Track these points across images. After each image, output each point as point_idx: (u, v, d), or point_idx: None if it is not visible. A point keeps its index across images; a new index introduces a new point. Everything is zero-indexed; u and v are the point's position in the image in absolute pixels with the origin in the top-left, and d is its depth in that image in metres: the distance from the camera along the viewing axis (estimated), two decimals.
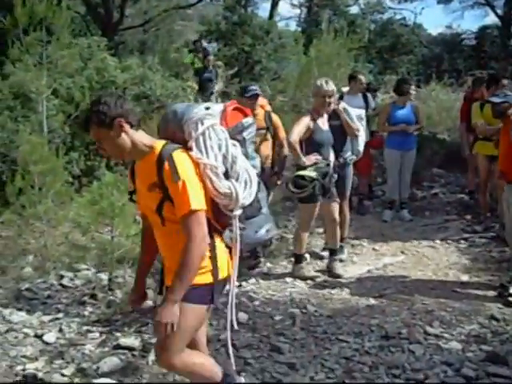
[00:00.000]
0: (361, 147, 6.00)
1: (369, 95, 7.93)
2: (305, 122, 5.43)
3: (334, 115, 5.76)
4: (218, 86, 12.50)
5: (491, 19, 29.79)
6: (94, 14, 19.38)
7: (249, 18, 20.25)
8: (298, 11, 34.28)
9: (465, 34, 30.71)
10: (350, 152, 5.91)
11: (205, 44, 14.86)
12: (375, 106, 8.30)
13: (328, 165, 5.46)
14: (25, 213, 5.76)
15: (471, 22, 70.58)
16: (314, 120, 5.44)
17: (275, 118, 5.99)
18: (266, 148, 5.89)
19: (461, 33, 30.95)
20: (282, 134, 5.93)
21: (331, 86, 5.41)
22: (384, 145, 7.87)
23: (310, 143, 5.41)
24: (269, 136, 5.90)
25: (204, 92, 11.92)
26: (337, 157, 5.67)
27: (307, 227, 5.66)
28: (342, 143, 5.83)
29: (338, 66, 11.03)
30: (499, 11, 26.91)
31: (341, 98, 7.18)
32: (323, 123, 5.54)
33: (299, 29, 29.74)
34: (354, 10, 32.61)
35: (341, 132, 5.80)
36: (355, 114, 5.98)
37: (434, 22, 59.71)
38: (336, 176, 5.58)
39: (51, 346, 4.09)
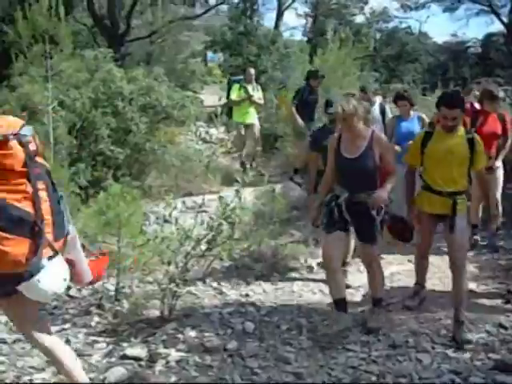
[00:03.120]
0: None
1: (386, 105, 7.46)
2: (330, 144, 4.75)
3: None
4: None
5: (496, 27, 29.81)
6: (101, 25, 19.53)
7: (254, 28, 20.34)
8: (303, 21, 34.53)
9: (470, 41, 30.83)
10: None
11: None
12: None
13: (340, 195, 4.60)
14: None
15: (476, 29, 70.83)
16: (338, 144, 4.64)
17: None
18: None
19: (466, 41, 31.09)
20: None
21: (342, 107, 4.43)
22: None
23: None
24: None
25: (307, 117, 9.13)
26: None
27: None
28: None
29: (343, 76, 11.04)
30: (504, 19, 26.97)
31: None
32: (349, 149, 4.55)
33: (305, 38, 29.93)
34: (360, 19, 32.83)
35: None
36: None
37: (440, 31, 59.92)
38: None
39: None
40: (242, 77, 10.27)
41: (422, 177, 4.73)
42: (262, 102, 10.18)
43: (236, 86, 9.93)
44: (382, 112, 7.46)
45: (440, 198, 4.54)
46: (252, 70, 10.20)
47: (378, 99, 7.63)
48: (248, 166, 9.44)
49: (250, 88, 9.86)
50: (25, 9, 6.49)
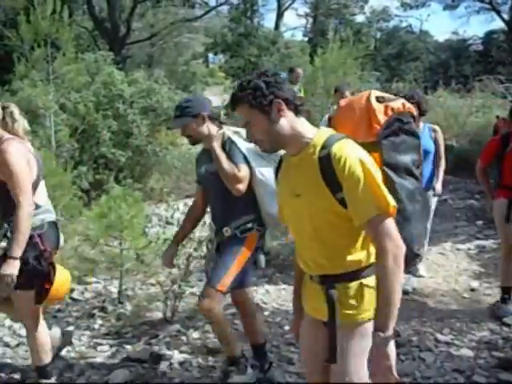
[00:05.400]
0: (271, 208, 3.36)
1: None
2: None
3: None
4: None
5: (497, 24, 29.83)
6: (101, 28, 19.60)
7: (254, 28, 20.42)
8: (303, 21, 34.57)
9: (471, 39, 30.84)
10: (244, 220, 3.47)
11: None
12: None
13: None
14: None
15: (477, 27, 70.67)
16: None
17: None
18: None
19: (467, 38, 31.10)
20: None
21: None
22: None
23: None
24: None
25: None
26: (220, 226, 3.53)
27: None
28: (227, 205, 3.48)
29: (344, 75, 11.03)
30: (505, 16, 26.98)
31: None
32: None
33: (305, 38, 29.96)
34: (360, 18, 32.86)
35: (220, 185, 3.42)
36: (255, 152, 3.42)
37: (441, 29, 59.87)
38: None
39: (62, 359, 4.09)
40: (284, 76, 9.12)
41: None
42: None
43: None
44: None
45: (312, 286, 2.37)
46: (301, 71, 9.13)
47: None
48: None
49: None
50: (29, 12, 6.49)
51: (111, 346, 4.28)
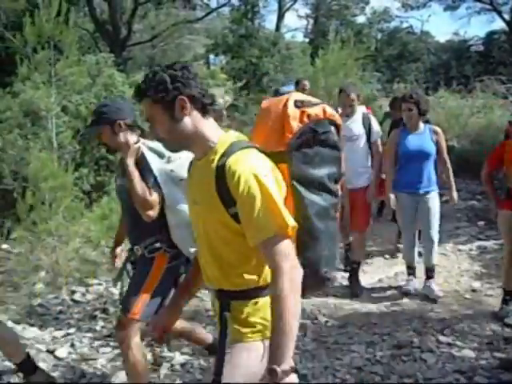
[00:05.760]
0: (177, 238, 3.21)
1: (373, 118, 5.55)
2: None
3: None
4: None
5: (498, 25, 29.87)
6: (102, 30, 19.60)
7: (255, 30, 20.39)
8: (304, 22, 34.57)
9: (472, 40, 30.85)
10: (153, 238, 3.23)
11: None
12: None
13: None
14: (36, 229, 5.80)
15: (478, 28, 70.62)
16: None
17: None
18: None
19: (468, 39, 31.11)
20: None
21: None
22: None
23: None
24: None
25: None
26: (132, 243, 3.36)
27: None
28: (137, 222, 3.20)
29: (345, 76, 11.02)
30: (506, 16, 26.98)
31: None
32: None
33: (306, 40, 29.97)
34: (361, 19, 32.86)
35: (130, 202, 3.16)
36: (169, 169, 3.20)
37: (442, 29, 59.88)
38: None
39: (63, 361, 4.10)
40: (292, 88, 8.71)
41: None
42: None
43: None
44: (368, 126, 5.44)
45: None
46: (307, 82, 8.61)
47: (361, 109, 5.61)
48: None
49: None
50: (34, 15, 6.49)
51: (113, 347, 4.28)
